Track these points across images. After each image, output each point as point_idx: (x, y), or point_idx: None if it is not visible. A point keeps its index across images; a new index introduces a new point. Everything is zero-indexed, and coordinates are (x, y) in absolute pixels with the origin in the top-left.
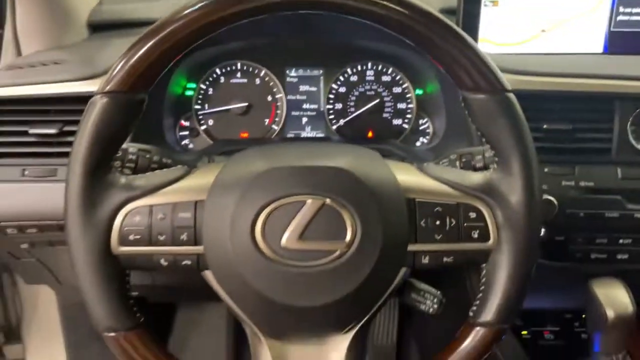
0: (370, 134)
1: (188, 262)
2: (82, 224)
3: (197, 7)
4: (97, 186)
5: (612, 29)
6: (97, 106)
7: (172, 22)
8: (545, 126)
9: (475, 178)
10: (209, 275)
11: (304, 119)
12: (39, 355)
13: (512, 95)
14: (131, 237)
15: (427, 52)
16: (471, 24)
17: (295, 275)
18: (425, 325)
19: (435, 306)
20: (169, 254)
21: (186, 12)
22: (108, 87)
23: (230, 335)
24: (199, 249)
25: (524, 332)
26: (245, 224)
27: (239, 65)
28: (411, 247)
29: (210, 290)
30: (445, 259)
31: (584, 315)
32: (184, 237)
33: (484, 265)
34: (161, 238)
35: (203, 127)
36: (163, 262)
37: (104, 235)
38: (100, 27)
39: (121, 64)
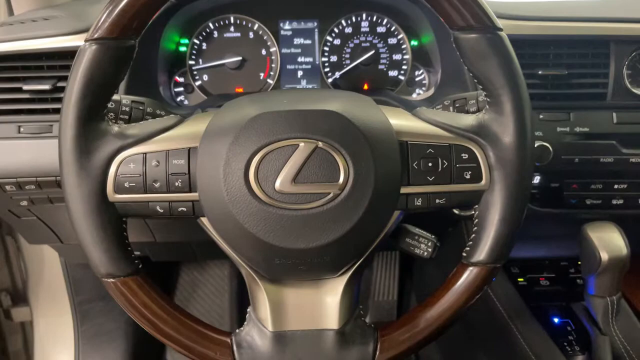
0: (365, 86)
1: (184, 208)
2: (77, 172)
3: None
4: (90, 134)
5: None
6: (87, 53)
7: None
8: (540, 72)
9: (468, 119)
10: (205, 222)
11: (299, 73)
12: (45, 316)
13: (503, 34)
14: (126, 185)
15: None
16: None
17: (290, 218)
18: (426, 280)
19: (430, 250)
20: (165, 200)
21: None
22: (97, 34)
23: (233, 292)
24: (194, 195)
25: (521, 279)
26: (239, 168)
27: (232, 19)
28: (404, 190)
29: (209, 245)
30: (437, 201)
31: (579, 262)
32: (178, 183)
33: (476, 206)
34: (156, 185)
35: (198, 83)
36: (159, 209)
37: (100, 183)
38: None
39: (109, 10)
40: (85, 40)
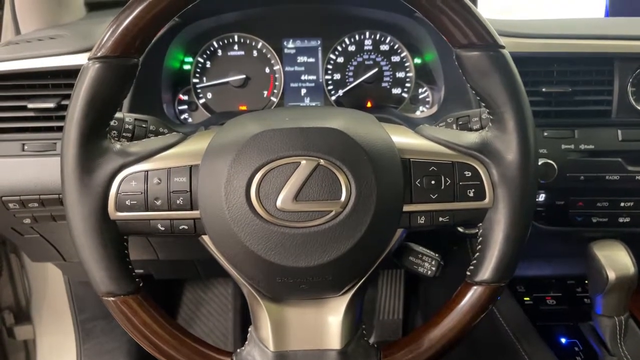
0: (369, 104)
1: (185, 226)
2: (78, 190)
3: None
4: (92, 152)
5: None
6: (89, 71)
7: None
8: (544, 89)
9: (471, 137)
10: (206, 240)
11: (303, 90)
12: (48, 335)
13: (505, 51)
14: (128, 203)
15: (418, 8)
16: None
17: (291, 236)
18: (432, 299)
19: (434, 268)
20: (166, 218)
21: None
22: (99, 53)
23: (237, 311)
24: (195, 213)
25: (527, 298)
26: (240, 186)
27: (235, 37)
28: (407, 208)
29: (213, 263)
30: (441, 219)
31: (586, 281)
32: (180, 201)
33: (480, 224)
34: (157, 203)
35: (201, 101)
36: (160, 227)
37: (101, 201)
38: (97, 6)
39: (112, 29)
40: (88, 59)
